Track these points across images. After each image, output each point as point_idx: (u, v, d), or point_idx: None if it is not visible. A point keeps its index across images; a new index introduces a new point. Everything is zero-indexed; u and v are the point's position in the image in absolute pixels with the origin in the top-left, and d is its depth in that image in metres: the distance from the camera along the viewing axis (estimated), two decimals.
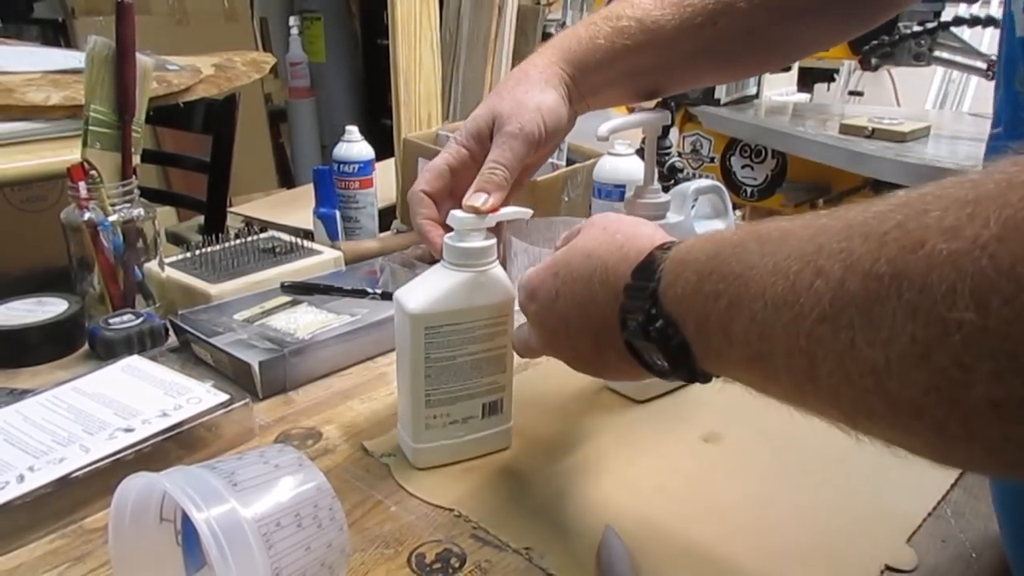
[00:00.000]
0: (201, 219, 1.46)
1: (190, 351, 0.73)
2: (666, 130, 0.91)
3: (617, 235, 0.44)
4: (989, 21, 0.80)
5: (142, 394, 0.60)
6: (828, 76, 2.54)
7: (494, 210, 0.54)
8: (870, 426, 0.31)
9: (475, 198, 0.54)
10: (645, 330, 0.39)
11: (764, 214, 1.07)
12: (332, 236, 0.98)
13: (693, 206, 0.67)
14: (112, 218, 0.75)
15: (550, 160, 0.98)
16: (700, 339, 0.37)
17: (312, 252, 0.88)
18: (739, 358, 0.35)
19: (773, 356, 0.32)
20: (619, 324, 0.41)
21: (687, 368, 0.39)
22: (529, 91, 0.56)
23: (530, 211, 0.57)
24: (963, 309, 0.24)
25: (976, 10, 0.85)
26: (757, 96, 1.08)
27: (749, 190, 0.99)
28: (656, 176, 0.64)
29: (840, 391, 0.30)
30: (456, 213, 0.53)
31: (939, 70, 2.54)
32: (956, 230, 0.25)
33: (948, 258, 0.25)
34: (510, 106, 0.55)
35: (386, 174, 1.14)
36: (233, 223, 1.37)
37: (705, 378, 0.40)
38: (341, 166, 1.02)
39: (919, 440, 0.29)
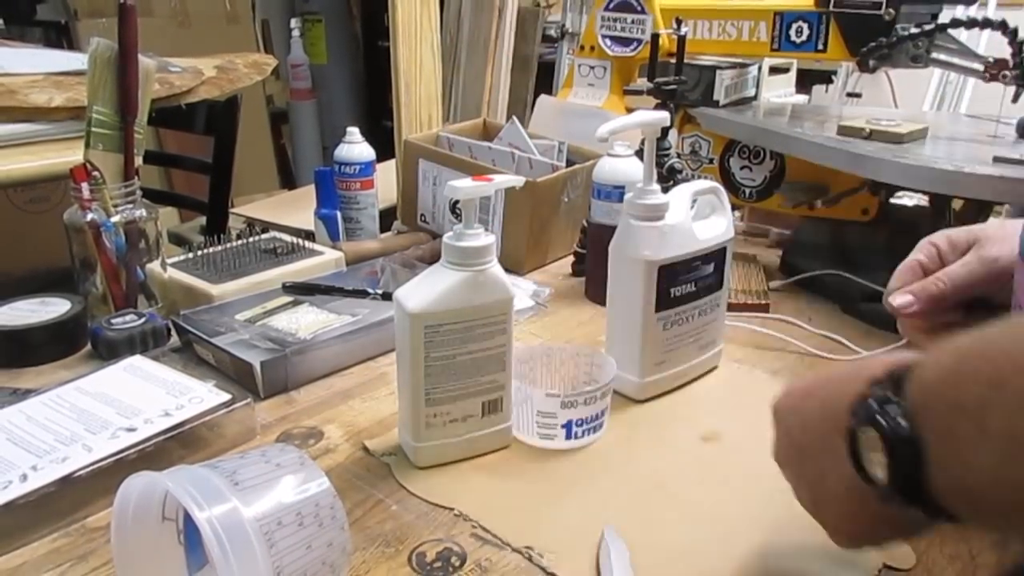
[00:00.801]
0: (203, 220, 1.47)
1: (192, 351, 0.73)
2: (665, 131, 0.91)
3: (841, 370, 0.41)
4: (987, 23, 0.80)
5: (144, 394, 0.60)
6: (826, 78, 2.55)
7: (914, 314, 0.55)
8: None
9: (899, 297, 0.55)
10: (871, 414, 0.33)
11: (763, 215, 1.07)
12: (333, 237, 0.98)
13: (692, 207, 0.67)
14: (114, 219, 0.76)
15: (550, 161, 0.98)
16: (941, 431, 0.30)
17: (313, 253, 0.88)
18: (993, 462, 0.28)
19: None
20: (848, 414, 0.35)
21: (911, 479, 0.31)
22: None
23: (523, 179, 0.57)
24: None
25: (974, 12, 0.85)
26: (756, 98, 1.08)
27: (747, 191, 0.99)
28: (655, 177, 0.65)
29: None
30: (452, 182, 0.53)
31: (936, 72, 2.54)
32: None
33: None
34: (998, 232, 0.54)
35: (387, 175, 1.14)
36: (235, 224, 1.37)
37: (931, 509, 0.32)
38: (342, 167, 1.02)
39: None
